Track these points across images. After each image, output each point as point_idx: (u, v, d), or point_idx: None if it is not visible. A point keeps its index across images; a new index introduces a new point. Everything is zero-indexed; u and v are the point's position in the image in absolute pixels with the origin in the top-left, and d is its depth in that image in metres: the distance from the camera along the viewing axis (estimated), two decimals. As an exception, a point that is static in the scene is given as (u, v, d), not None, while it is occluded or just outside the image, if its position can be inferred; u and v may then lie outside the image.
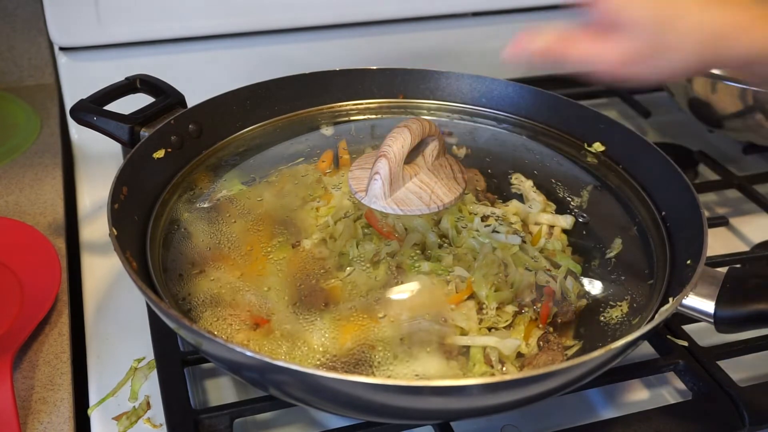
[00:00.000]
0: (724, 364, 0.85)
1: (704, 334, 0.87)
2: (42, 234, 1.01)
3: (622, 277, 0.89)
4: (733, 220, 1.14)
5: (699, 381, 0.83)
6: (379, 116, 1.09)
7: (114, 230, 0.77)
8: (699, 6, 0.72)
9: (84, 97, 0.97)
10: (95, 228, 1.08)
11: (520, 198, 0.98)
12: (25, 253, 0.98)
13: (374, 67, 1.07)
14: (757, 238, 1.11)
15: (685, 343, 0.87)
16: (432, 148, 0.89)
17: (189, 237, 0.90)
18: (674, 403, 0.82)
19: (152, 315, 0.88)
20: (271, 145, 1.05)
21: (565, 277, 0.89)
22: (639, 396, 0.86)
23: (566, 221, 0.95)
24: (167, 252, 0.90)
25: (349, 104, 1.08)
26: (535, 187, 1.00)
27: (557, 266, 0.89)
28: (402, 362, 0.76)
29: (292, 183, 1.02)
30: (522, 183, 1.01)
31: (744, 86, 1.13)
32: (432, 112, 1.08)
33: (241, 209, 0.96)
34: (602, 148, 1.00)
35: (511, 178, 1.02)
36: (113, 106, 0.96)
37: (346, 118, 1.08)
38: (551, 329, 0.86)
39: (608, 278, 0.91)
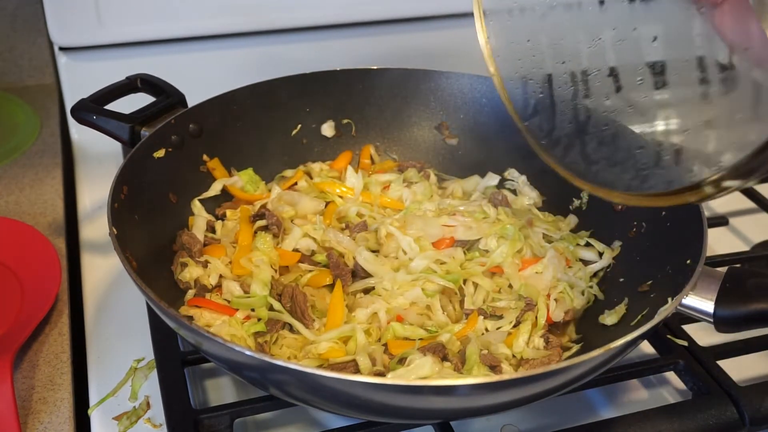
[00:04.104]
0: (724, 363, 0.85)
1: (704, 334, 0.87)
2: (42, 234, 1.01)
3: (622, 278, 0.89)
4: (733, 220, 1.14)
5: (699, 381, 0.83)
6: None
7: (114, 230, 0.77)
8: None
9: (84, 96, 0.97)
10: (95, 228, 1.08)
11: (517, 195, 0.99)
12: (25, 253, 0.98)
13: (374, 67, 1.07)
14: (757, 238, 1.11)
15: (685, 343, 0.87)
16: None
17: (189, 236, 0.90)
18: (674, 403, 0.82)
19: (152, 315, 0.88)
20: (272, 144, 1.05)
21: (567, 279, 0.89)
22: (639, 396, 0.86)
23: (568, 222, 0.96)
24: (167, 252, 0.90)
25: (349, 104, 1.08)
26: (528, 182, 1.01)
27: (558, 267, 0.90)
28: (400, 363, 0.77)
29: (293, 184, 1.02)
30: (516, 178, 1.02)
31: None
32: (432, 111, 1.08)
33: (242, 209, 0.96)
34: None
35: (505, 174, 1.03)
36: (113, 106, 0.96)
37: (347, 118, 1.08)
38: (551, 329, 0.87)
39: (608, 278, 0.91)
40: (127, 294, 0.97)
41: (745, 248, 1.09)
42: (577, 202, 0.99)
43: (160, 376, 0.81)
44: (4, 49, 1.36)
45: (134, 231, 0.83)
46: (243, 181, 1.00)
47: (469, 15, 1.26)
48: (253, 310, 0.83)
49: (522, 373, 0.71)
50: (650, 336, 0.82)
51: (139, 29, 1.24)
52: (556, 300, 0.87)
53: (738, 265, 0.99)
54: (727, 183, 0.62)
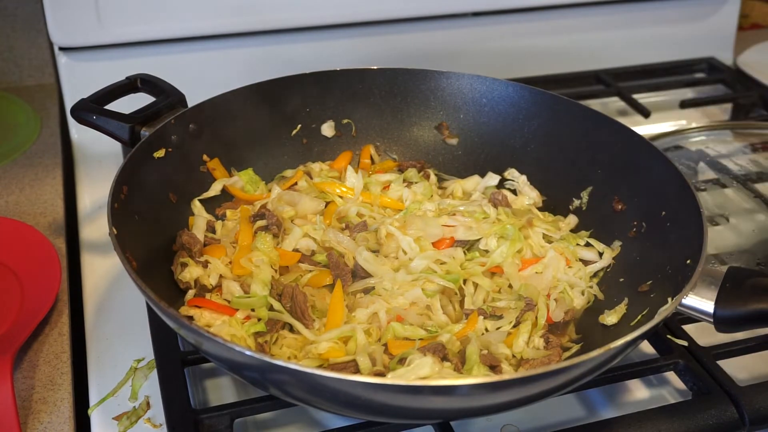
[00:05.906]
0: (724, 363, 0.85)
1: (704, 334, 0.87)
2: (42, 234, 1.01)
3: (622, 278, 0.89)
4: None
5: (699, 381, 0.83)
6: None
7: (114, 230, 0.77)
8: None
9: (84, 96, 0.97)
10: (95, 228, 1.08)
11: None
12: (25, 253, 0.98)
13: (374, 67, 1.07)
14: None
15: (685, 343, 0.87)
16: None
17: (189, 236, 0.90)
18: (674, 403, 0.82)
19: (152, 315, 0.88)
20: (272, 144, 1.05)
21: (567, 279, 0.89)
22: (639, 396, 0.86)
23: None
24: (167, 252, 0.90)
25: (349, 104, 1.08)
26: (528, 182, 1.01)
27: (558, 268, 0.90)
28: (400, 363, 0.77)
29: (293, 184, 1.02)
30: (517, 178, 1.02)
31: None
32: (432, 111, 1.08)
33: (242, 209, 0.96)
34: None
35: (505, 174, 1.03)
36: (113, 106, 0.96)
37: (347, 118, 1.08)
38: (551, 329, 0.87)
39: (608, 278, 0.91)
40: (127, 294, 0.97)
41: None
42: (577, 202, 0.99)
43: (160, 376, 0.81)
44: (4, 49, 1.36)
45: (134, 231, 0.83)
46: (243, 181, 1.00)
47: (469, 15, 1.27)
48: (253, 310, 0.83)
49: (522, 373, 0.71)
50: (650, 336, 0.82)
51: (139, 29, 1.24)
52: (556, 300, 0.87)
53: (738, 265, 0.99)
54: None
